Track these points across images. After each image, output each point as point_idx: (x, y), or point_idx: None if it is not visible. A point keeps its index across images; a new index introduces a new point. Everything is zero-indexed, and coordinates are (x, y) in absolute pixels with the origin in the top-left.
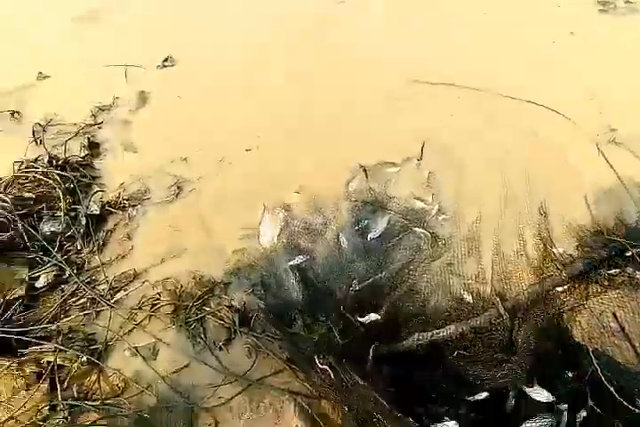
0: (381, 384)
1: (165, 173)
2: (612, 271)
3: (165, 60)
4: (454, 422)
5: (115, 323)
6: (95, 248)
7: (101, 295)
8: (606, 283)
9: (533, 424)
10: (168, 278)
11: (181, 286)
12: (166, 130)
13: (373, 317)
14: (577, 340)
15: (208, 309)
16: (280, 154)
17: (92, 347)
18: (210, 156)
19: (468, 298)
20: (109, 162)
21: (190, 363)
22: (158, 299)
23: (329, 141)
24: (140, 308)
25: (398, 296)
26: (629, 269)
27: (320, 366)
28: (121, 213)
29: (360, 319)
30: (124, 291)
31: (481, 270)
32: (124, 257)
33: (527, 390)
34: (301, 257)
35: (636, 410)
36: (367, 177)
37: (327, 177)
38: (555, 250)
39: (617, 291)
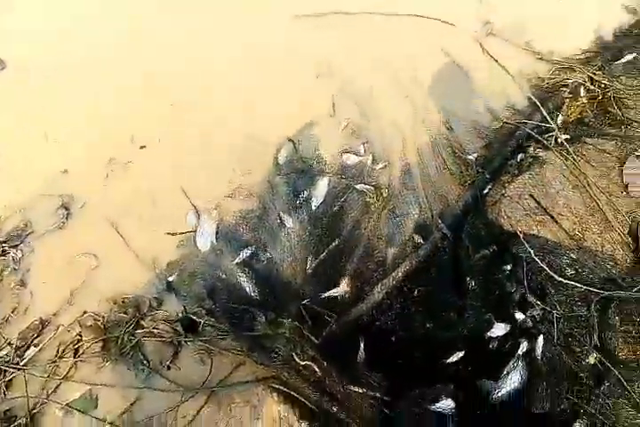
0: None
1: (43, 194)
2: (519, 157)
3: None
4: (450, 400)
5: (34, 385)
6: None
7: (6, 361)
8: (517, 171)
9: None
10: (85, 313)
11: (103, 317)
12: (27, 144)
13: (341, 290)
14: (506, 228)
15: (141, 331)
16: (185, 144)
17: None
18: (95, 161)
19: (418, 239)
20: None
21: (141, 395)
22: (80, 340)
23: (234, 121)
24: (60, 357)
25: (357, 260)
26: (531, 150)
27: (301, 362)
28: (3, 259)
29: (326, 294)
30: (35, 346)
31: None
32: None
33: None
34: (246, 251)
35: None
36: (295, 146)
37: (251, 159)
38: (469, 157)
39: (527, 173)
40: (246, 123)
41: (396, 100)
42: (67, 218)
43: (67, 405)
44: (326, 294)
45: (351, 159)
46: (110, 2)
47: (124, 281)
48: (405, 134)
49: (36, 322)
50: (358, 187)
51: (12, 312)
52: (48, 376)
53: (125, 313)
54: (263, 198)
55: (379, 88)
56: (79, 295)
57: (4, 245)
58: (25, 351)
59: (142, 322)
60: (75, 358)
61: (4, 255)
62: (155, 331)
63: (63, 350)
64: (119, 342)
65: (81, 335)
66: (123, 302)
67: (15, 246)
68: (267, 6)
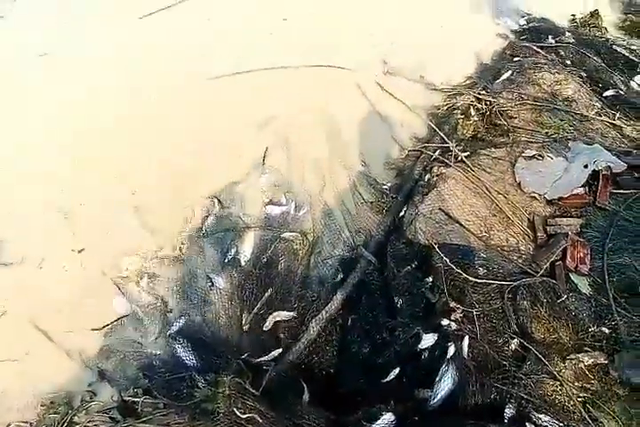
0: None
1: None
2: (426, 178)
3: None
4: (390, 413)
5: None
6: None
7: None
8: (426, 190)
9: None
10: (9, 425)
11: (31, 425)
12: None
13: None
14: (423, 243)
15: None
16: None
17: None
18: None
19: (340, 275)
20: None
21: None
22: None
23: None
24: None
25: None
26: (435, 169)
27: (243, 416)
28: None
29: (263, 359)
30: None
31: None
32: None
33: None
34: (180, 320)
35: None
36: (221, 205)
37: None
38: (384, 186)
39: (435, 189)
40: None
41: (314, 146)
42: None
43: None
44: (265, 358)
45: (275, 210)
46: None
47: (52, 379)
48: (325, 177)
49: None
50: (285, 235)
51: None
52: None
53: (56, 413)
54: (190, 263)
55: (296, 137)
56: (2, 403)
57: None
58: None
59: (76, 418)
60: None
61: None
62: (90, 424)
63: None
64: None
65: None
66: (52, 402)
67: None
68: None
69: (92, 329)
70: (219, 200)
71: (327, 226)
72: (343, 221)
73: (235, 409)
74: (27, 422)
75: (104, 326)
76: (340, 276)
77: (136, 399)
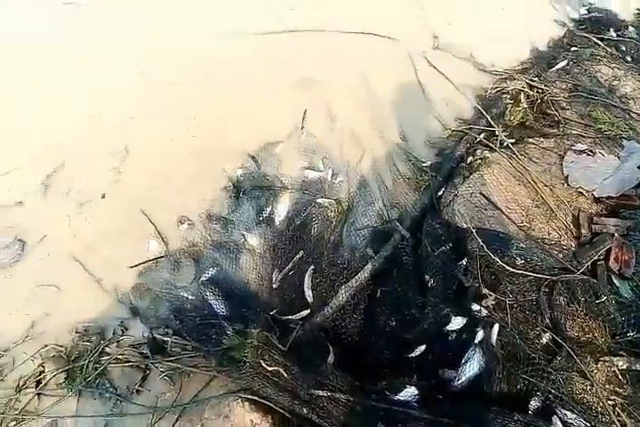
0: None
1: None
2: (469, 160)
3: None
4: (413, 388)
5: None
6: None
7: None
8: (467, 173)
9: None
10: (46, 346)
11: (66, 348)
12: None
13: (304, 313)
14: (460, 226)
15: (106, 358)
16: (157, 168)
17: None
18: (56, 190)
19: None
20: None
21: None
22: (42, 372)
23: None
24: (20, 391)
25: (322, 269)
26: (479, 153)
27: (269, 368)
28: None
29: (291, 317)
30: None
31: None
32: None
33: (447, 327)
34: (212, 270)
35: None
36: (257, 164)
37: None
38: (424, 164)
39: (477, 173)
40: (210, 139)
41: (353, 114)
42: (22, 251)
43: None
44: (293, 317)
45: (311, 175)
46: None
47: (87, 311)
48: (363, 147)
49: None
50: (319, 201)
51: None
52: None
53: (89, 342)
54: (226, 216)
55: (337, 103)
56: (41, 327)
57: None
58: None
59: (107, 349)
60: (36, 389)
61: None
62: (121, 357)
63: (24, 384)
64: (84, 371)
65: (43, 367)
66: (85, 330)
67: None
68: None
69: (129, 267)
70: (254, 158)
71: (362, 196)
72: (378, 193)
73: (261, 361)
74: (62, 346)
75: (139, 264)
76: (372, 248)
77: (166, 339)
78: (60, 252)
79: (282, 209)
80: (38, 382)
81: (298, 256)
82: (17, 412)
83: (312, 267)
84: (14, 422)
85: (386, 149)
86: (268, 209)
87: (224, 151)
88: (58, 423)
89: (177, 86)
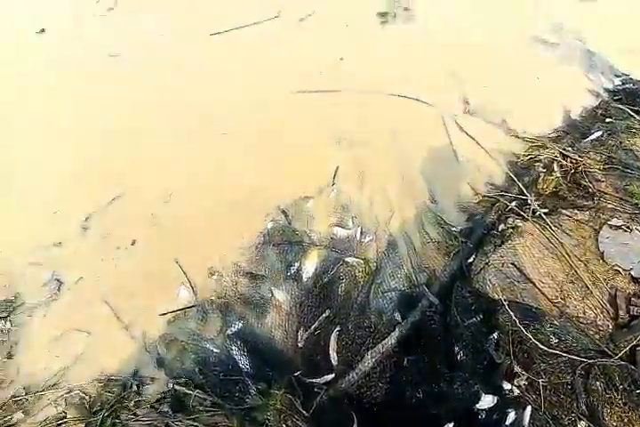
0: None
1: (36, 267)
2: (500, 228)
3: None
4: None
5: None
6: None
7: None
8: (499, 241)
9: None
10: (70, 392)
11: (89, 397)
12: (23, 215)
13: (328, 377)
14: (491, 296)
15: (127, 413)
16: (191, 216)
17: None
18: (95, 233)
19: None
20: None
21: None
22: (64, 417)
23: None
24: None
25: (348, 331)
26: (510, 221)
27: None
28: None
29: (315, 380)
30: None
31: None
32: (10, 382)
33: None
34: (238, 323)
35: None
36: (288, 218)
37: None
38: (454, 229)
39: (508, 243)
40: (245, 190)
41: (385, 174)
42: (59, 290)
43: None
44: (317, 380)
45: (340, 232)
46: None
47: (115, 356)
48: (393, 207)
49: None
50: (348, 259)
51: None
52: None
53: (110, 393)
54: (254, 270)
55: (369, 163)
56: (68, 370)
57: None
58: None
59: (128, 404)
60: None
61: None
62: (139, 414)
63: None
64: (101, 423)
65: (65, 413)
66: (109, 380)
67: (4, 318)
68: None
69: (160, 314)
70: (285, 212)
71: (390, 258)
72: (407, 255)
73: (284, 426)
74: (86, 395)
75: (169, 312)
76: (399, 312)
77: (188, 392)
78: (94, 294)
79: (310, 266)
80: None
81: (324, 315)
82: None
83: (338, 328)
84: None
85: (415, 211)
86: (297, 265)
87: (258, 204)
88: None
89: (225, 136)
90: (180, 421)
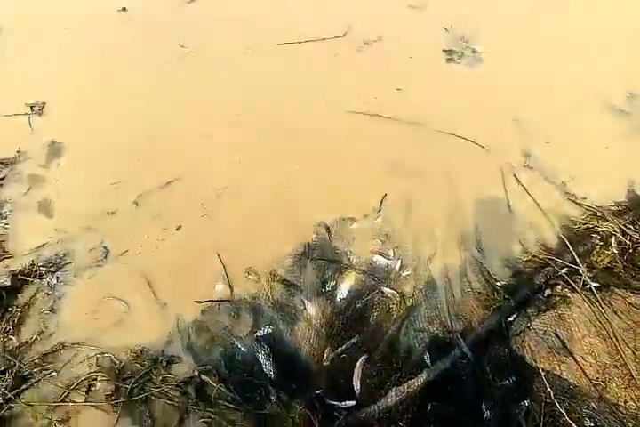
0: None
1: (88, 231)
2: (547, 293)
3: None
4: None
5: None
6: (10, 327)
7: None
8: (544, 307)
9: None
10: (103, 353)
11: (120, 362)
12: (86, 181)
13: (350, 403)
14: (528, 362)
15: (153, 386)
16: (239, 214)
17: None
18: (148, 211)
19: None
20: (16, 223)
21: None
22: (94, 378)
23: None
24: (73, 389)
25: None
26: (559, 288)
27: None
28: (38, 282)
29: (337, 404)
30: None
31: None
32: (50, 335)
33: None
34: (268, 328)
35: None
36: (330, 235)
37: (287, 236)
38: (497, 283)
39: (555, 310)
40: (295, 202)
41: (433, 212)
42: (105, 258)
43: None
44: (338, 404)
45: (380, 260)
46: None
47: (148, 332)
48: (437, 247)
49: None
50: (384, 289)
51: (38, 336)
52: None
53: (141, 365)
54: (291, 280)
55: (419, 197)
56: (103, 335)
57: (41, 268)
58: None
59: (154, 378)
60: (87, 394)
61: (40, 278)
62: (164, 391)
63: (76, 385)
64: (129, 391)
65: (97, 374)
66: (141, 352)
67: (52, 273)
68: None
69: (195, 301)
70: (328, 229)
71: (427, 298)
72: (444, 299)
73: None
74: (118, 360)
75: (205, 301)
76: (429, 354)
77: (212, 384)
78: (136, 269)
79: (345, 287)
80: (89, 387)
81: (353, 340)
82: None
83: (365, 356)
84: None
85: (460, 257)
86: (332, 283)
87: (303, 216)
88: None
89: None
90: (200, 409)
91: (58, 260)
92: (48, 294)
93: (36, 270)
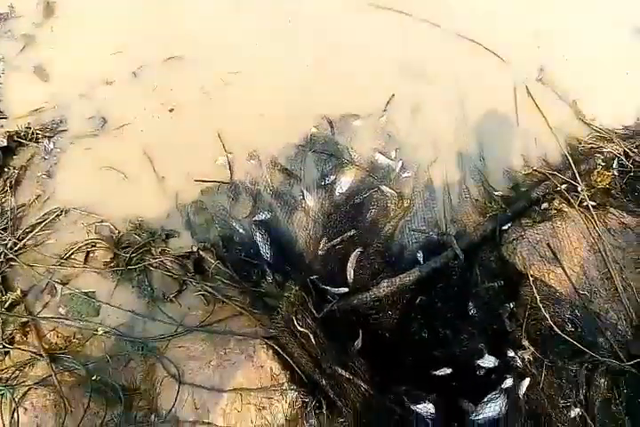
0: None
1: (85, 99)
2: (544, 206)
3: None
4: (432, 405)
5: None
6: (8, 187)
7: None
8: (539, 218)
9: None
10: (102, 221)
11: (119, 232)
12: (82, 46)
13: (342, 290)
14: (518, 268)
15: (152, 257)
16: (242, 98)
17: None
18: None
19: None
20: (10, 84)
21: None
22: (93, 245)
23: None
24: (71, 254)
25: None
26: (556, 203)
27: (299, 328)
28: (34, 145)
29: (330, 289)
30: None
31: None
32: (47, 199)
33: (478, 361)
34: (266, 213)
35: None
36: (332, 129)
37: (290, 126)
38: (495, 193)
39: (550, 222)
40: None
41: (440, 119)
42: (102, 128)
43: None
44: (332, 289)
45: (381, 159)
46: None
47: (146, 206)
48: (439, 154)
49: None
50: (383, 188)
51: (36, 199)
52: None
53: (139, 236)
54: (292, 170)
55: (428, 104)
56: (101, 205)
57: (38, 133)
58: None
59: (153, 250)
60: (85, 262)
61: (36, 142)
62: (162, 262)
63: (76, 249)
64: (128, 259)
65: (95, 241)
66: (140, 224)
67: (49, 138)
68: None
69: (195, 180)
70: (331, 123)
71: (425, 201)
72: (442, 203)
73: (294, 318)
74: (116, 230)
75: (204, 180)
76: (422, 253)
77: (210, 260)
78: (135, 142)
79: (345, 182)
80: (87, 254)
81: (349, 233)
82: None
83: (360, 249)
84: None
85: (461, 166)
86: (332, 177)
87: (309, 109)
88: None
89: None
90: (197, 282)
91: (54, 125)
92: (45, 159)
93: (32, 133)
